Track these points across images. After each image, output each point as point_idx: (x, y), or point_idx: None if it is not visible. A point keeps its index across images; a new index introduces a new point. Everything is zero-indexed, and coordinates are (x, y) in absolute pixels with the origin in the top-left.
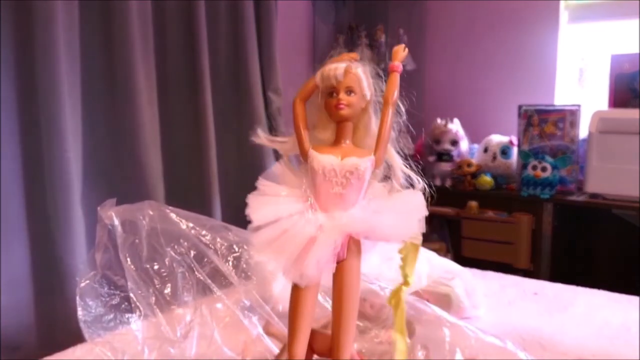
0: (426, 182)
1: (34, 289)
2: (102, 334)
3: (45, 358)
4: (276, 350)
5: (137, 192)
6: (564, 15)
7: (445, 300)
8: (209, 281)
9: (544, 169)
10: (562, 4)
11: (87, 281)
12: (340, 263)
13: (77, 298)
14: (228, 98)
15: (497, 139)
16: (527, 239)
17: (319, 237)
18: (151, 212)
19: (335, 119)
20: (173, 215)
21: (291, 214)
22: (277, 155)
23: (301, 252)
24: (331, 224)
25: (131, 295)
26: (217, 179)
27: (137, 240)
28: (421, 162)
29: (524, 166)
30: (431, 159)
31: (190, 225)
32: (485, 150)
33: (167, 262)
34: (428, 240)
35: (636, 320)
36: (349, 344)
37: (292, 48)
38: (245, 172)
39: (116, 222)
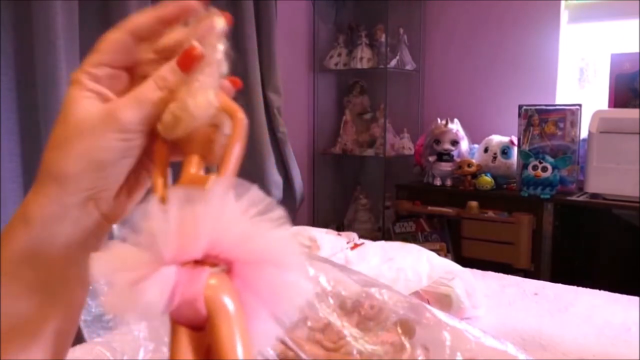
0: None
1: None
2: (102, 333)
3: None
4: (273, 351)
5: None
6: (564, 15)
7: (445, 301)
8: None
9: (544, 169)
10: (562, 4)
11: None
12: None
13: None
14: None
15: (497, 139)
16: (528, 239)
17: None
18: None
19: None
20: None
21: None
22: (277, 156)
23: None
24: None
25: None
26: None
27: None
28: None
29: (524, 166)
30: (431, 159)
31: None
32: (486, 150)
33: None
34: (428, 240)
35: (636, 320)
36: None
37: (292, 48)
38: (245, 172)
39: None
